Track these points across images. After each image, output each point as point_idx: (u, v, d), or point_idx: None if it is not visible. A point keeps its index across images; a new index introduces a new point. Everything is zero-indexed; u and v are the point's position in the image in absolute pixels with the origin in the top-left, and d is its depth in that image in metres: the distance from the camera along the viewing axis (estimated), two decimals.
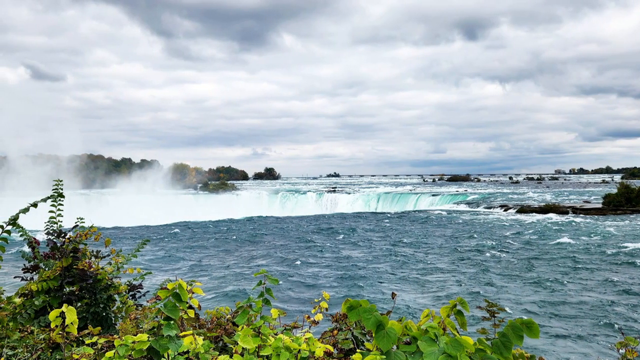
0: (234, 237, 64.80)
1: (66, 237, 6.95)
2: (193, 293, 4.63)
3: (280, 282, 38.97)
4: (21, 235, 7.21)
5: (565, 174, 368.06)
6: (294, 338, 4.35)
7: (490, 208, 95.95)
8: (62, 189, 7.37)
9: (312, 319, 5.43)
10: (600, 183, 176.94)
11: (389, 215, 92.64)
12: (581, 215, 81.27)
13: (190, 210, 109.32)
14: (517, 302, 32.93)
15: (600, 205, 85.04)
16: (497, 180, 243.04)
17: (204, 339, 4.44)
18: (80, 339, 5.26)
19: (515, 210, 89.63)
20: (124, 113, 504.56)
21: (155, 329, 4.25)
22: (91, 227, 7.32)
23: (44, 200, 6.96)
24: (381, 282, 38.29)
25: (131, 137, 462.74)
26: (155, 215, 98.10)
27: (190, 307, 4.63)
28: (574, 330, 27.05)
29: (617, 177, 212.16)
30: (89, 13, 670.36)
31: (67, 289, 6.59)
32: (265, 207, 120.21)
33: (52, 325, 4.56)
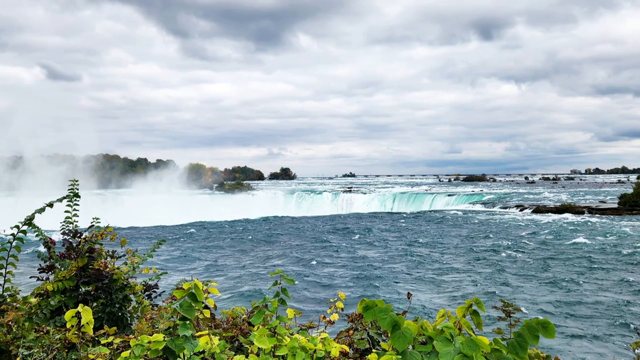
0: (250, 237, 64.90)
1: (82, 237, 6.97)
2: (209, 293, 4.62)
3: (296, 282, 38.90)
4: (37, 235, 7.24)
5: (581, 174, 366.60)
6: (310, 338, 4.35)
7: (506, 208, 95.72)
8: (77, 189, 7.40)
9: (327, 319, 5.42)
10: (616, 183, 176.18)
11: (404, 215, 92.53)
12: (597, 215, 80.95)
13: (206, 210, 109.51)
14: (533, 302, 32.82)
15: (616, 205, 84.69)
16: (512, 180, 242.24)
17: (219, 339, 4.44)
18: (96, 339, 5.27)
19: (531, 210, 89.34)
20: (140, 113, 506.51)
21: (171, 329, 4.25)
22: (107, 227, 7.33)
23: (60, 200, 6.98)
24: (397, 282, 38.26)
25: (147, 137, 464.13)
26: (171, 215, 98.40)
27: (206, 307, 4.63)
28: (590, 330, 26.94)
29: (633, 177, 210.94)
30: (105, 13, 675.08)
31: (83, 289, 6.60)
32: (281, 207, 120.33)
33: (68, 325, 4.57)
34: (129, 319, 6.80)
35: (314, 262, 45.75)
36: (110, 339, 4.63)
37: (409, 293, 5.26)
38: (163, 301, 5.28)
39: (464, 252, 50.35)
